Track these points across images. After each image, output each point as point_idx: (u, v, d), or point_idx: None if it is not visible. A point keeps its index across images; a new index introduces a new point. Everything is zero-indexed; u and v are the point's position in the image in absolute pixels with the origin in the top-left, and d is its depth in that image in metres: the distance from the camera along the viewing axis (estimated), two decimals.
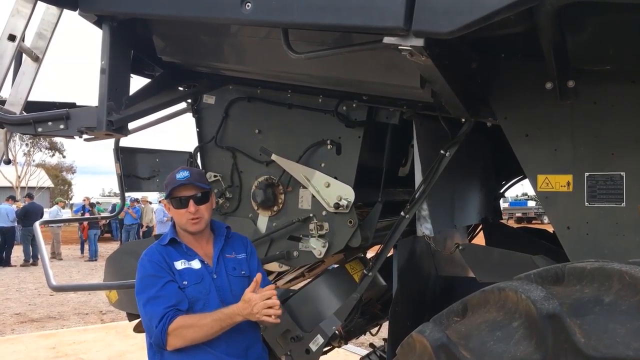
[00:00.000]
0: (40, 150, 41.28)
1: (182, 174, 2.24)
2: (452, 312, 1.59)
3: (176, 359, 2.15)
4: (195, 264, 2.25)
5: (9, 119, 2.49)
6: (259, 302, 2.04)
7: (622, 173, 1.93)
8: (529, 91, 2.08)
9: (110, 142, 3.01)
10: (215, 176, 2.86)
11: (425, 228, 2.37)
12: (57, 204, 18.79)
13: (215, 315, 2.11)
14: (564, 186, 2.01)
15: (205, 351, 2.14)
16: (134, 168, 3.23)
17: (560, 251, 2.04)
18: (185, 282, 2.19)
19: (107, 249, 17.39)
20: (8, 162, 2.74)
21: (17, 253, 16.02)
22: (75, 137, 2.45)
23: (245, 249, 2.42)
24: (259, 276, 2.15)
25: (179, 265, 2.22)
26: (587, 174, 1.98)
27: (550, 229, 2.78)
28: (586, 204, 1.98)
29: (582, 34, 1.75)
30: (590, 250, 1.93)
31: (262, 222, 2.77)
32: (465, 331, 1.46)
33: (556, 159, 2.03)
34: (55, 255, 16.33)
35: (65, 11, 2.56)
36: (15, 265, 15.26)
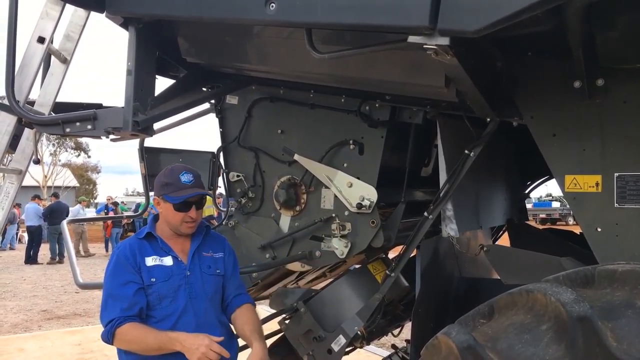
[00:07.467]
0: (66, 150, 42.30)
1: (187, 177, 2.27)
2: (478, 314, 1.57)
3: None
4: (167, 261, 2.26)
5: (38, 119, 2.54)
6: (206, 352, 2.00)
7: None
8: (557, 90, 2.04)
9: (135, 142, 3.06)
10: (237, 176, 2.88)
11: (450, 229, 2.34)
12: (80, 203, 19.17)
13: (159, 335, 2.10)
14: (593, 187, 1.97)
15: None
16: (158, 168, 3.26)
17: (588, 253, 2.00)
18: (154, 279, 2.20)
19: None
20: (37, 161, 2.81)
21: (44, 251, 16.39)
22: (102, 137, 2.49)
23: (223, 248, 2.46)
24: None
25: (150, 261, 2.24)
26: (616, 174, 1.93)
27: (577, 230, 2.73)
28: (616, 204, 1.93)
29: (611, 32, 1.72)
30: (620, 252, 1.89)
31: (285, 221, 2.78)
32: (492, 333, 1.45)
33: (584, 159, 1.98)
34: (79, 252, 16.61)
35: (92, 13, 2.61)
36: (42, 263, 15.62)
